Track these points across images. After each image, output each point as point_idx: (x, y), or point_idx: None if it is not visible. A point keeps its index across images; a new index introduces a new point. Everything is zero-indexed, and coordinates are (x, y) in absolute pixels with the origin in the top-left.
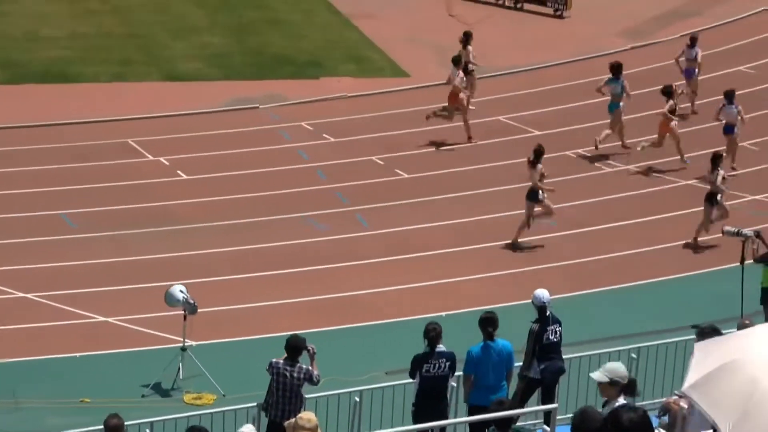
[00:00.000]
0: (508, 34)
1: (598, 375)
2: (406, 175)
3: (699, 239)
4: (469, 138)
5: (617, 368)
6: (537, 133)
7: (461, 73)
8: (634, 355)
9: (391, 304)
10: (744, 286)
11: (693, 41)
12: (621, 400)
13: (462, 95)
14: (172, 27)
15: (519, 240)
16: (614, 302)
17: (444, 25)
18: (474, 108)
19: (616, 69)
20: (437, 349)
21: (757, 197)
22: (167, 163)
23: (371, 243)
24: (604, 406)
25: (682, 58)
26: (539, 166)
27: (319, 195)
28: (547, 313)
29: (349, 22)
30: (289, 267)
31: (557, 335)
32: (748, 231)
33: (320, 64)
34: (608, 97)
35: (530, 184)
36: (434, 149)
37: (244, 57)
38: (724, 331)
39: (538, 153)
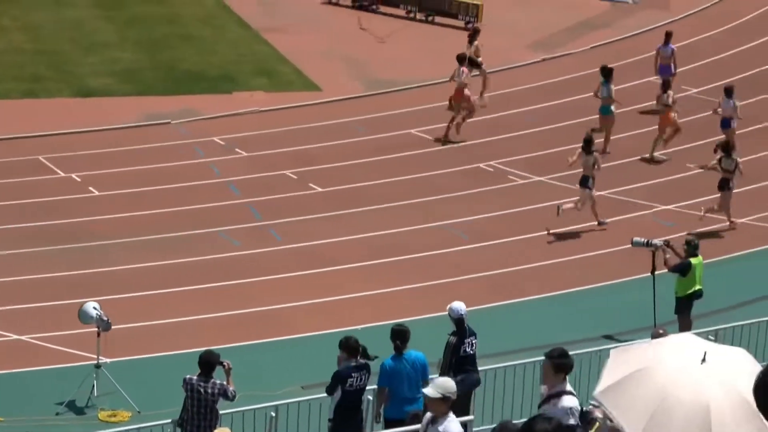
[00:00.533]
0: (420, 48)
1: (430, 391)
2: (319, 189)
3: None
4: (446, 136)
5: (448, 384)
6: (451, 145)
7: (465, 70)
8: None
9: (305, 318)
10: (657, 295)
11: (667, 37)
12: (452, 416)
13: (466, 91)
14: (83, 43)
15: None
16: (528, 313)
17: (355, 38)
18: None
19: (607, 73)
20: (358, 362)
21: (669, 207)
22: (79, 179)
23: (285, 257)
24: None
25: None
26: (595, 153)
27: (233, 210)
28: (463, 326)
29: (260, 37)
30: (204, 282)
31: (473, 347)
32: (657, 241)
33: (232, 78)
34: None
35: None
36: (347, 162)
37: (155, 72)
38: (638, 341)
39: (589, 141)
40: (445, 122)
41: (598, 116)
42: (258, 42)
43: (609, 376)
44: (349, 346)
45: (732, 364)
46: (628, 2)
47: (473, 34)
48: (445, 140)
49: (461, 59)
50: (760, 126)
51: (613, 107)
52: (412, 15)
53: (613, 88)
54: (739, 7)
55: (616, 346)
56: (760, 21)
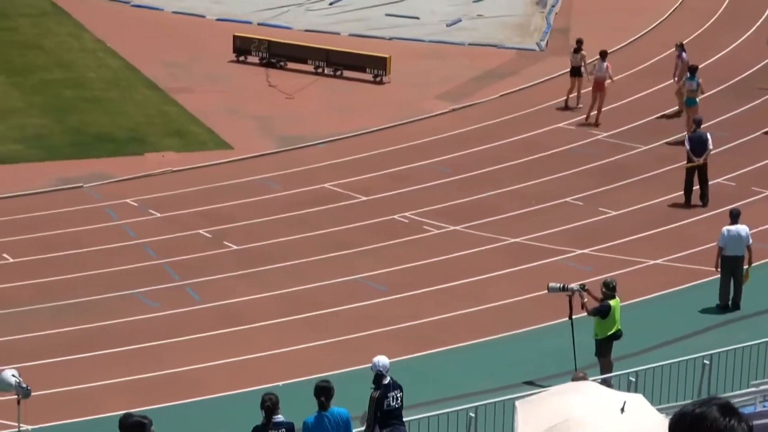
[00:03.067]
0: (329, 102)
1: None
2: (234, 247)
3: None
4: (597, 124)
5: None
6: (363, 198)
7: (607, 65)
8: (472, 414)
9: (226, 377)
10: (575, 339)
11: (603, 56)
12: None
13: (607, 83)
14: None
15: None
16: (450, 363)
17: (264, 96)
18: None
19: (602, 54)
20: (275, 419)
21: (585, 251)
22: None
23: (203, 317)
24: None
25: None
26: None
27: (149, 271)
28: (386, 380)
29: (169, 97)
30: (122, 345)
31: (398, 401)
32: (574, 285)
33: (142, 140)
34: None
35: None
36: (261, 219)
37: (64, 137)
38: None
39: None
40: (357, 176)
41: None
42: (167, 102)
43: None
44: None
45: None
46: (534, 49)
47: (578, 46)
48: (596, 125)
49: (603, 55)
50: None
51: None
52: (320, 70)
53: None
54: (644, 50)
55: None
56: (665, 63)
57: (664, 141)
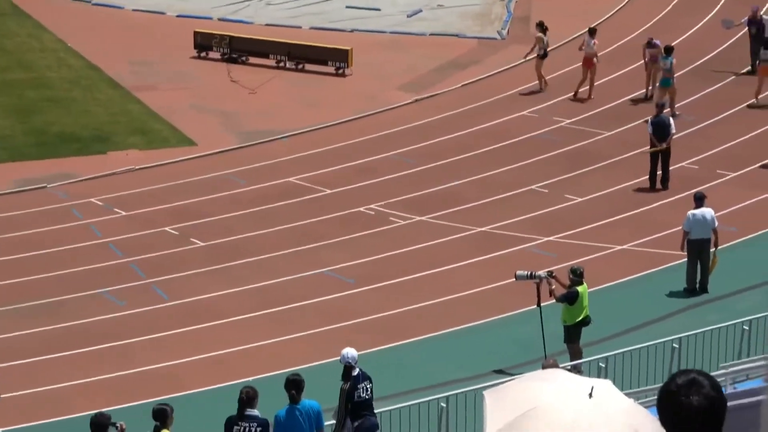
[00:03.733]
0: (292, 96)
1: None
2: (201, 243)
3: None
4: (590, 97)
5: None
6: (328, 191)
7: (596, 41)
8: (443, 404)
9: (196, 374)
10: (544, 326)
11: (591, 32)
12: None
13: (595, 59)
14: None
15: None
16: (420, 353)
17: (226, 91)
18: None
19: (591, 31)
20: (248, 413)
21: (550, 238)
22: None
23: (172, 314)
24: None
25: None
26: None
27: (115, 270)
28: (356, 372)
29: (131, 95)
30: (90, 345)
31: (368, 392)
32: (541, 273)
33: (106, 138)
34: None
35: None
36: (227, 215)
37: (27, 137)
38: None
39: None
40: (321, 169)
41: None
42: (130, 101)
43: (495, 419)
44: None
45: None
46: (496, 38)
47: (591, 32)
48: (589, 98)
49: (592, 32)
50: (643, 150)
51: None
52: (282, 64)
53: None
54: (605, 36)
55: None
56: (627, 48)
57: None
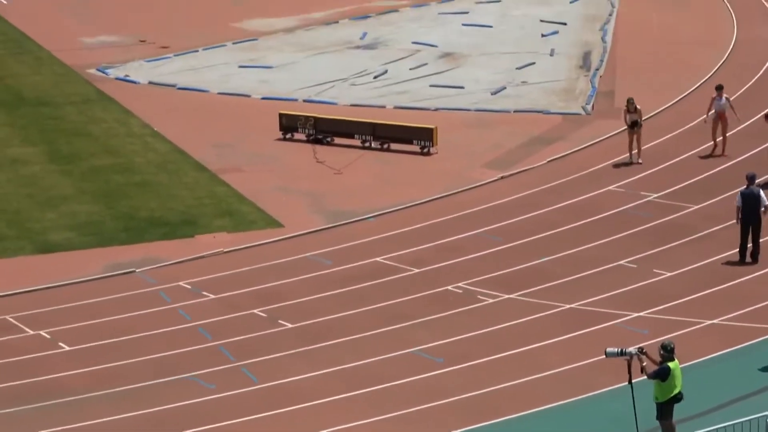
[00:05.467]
0: (377, 175)
1: None
2: (289, 325)
3: None
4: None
5: None
6: (416, 270)
7: (725, 95)
8: None
9: None
10: (636, 403)
11: (719, 89)
12: None
13: (727, 113)
14: (41, 199)
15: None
16: None
17: (312, 172)
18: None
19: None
20: None
21: (641, 314)
22: (48, 336)
23: (262, 397)
24: None
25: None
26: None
27: (205, 353)
28: None
29: (217, 178)
30: (181, 428)
31: None
32: (632, 349)
33: (193, 222)
34: None
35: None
36: (315, 296)
37: (115, 222)
38: None
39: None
40: (409, 248)
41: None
42: (216, 183)
43: None
44: None
45: None
46: (580, 113)
47: (631, 105)
48: (722, 155)
49: (719, 88)
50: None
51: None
52: (367, 144)
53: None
54: (690, 108)
55: None
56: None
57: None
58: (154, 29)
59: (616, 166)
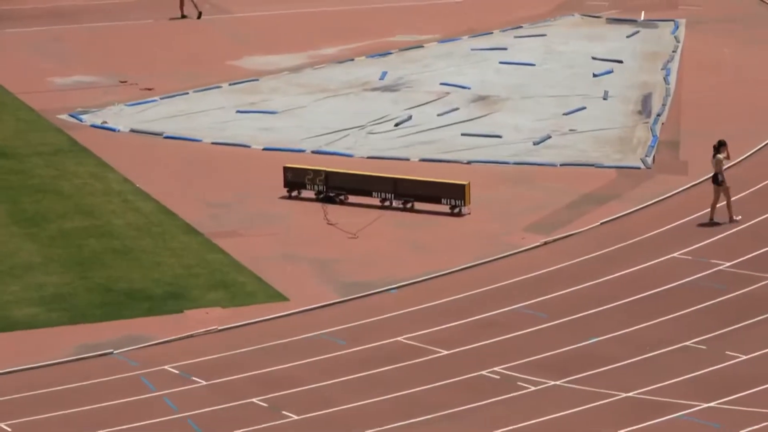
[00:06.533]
0: (399, 240)
1: None
2: (295, 417)
3: None
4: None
5: None
6: (445, 352)
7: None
8: None
9: None
10: None
11: None
12: None
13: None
14: (1, 268)
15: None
16: None
17: (322, 236)
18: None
19: None
20: None
21: (711, 404)
22: (10, 429)
23: None
24: None
25: None
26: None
27: None
28: None
29: (210, 243)
30: None
31: None
32: None
33: (182, 295)
34: None
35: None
36: (326, 382)
37: (89, 295)
38: None
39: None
40: (436, 326)
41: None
42: (210, 249)
43: None
44: None
45: None
46: (639, 167)
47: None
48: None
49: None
50: None
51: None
52: (387, 203)
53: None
54: (765, 163)
55: None
56: None
57: None
58: (137, 68)
59: (682, 229)
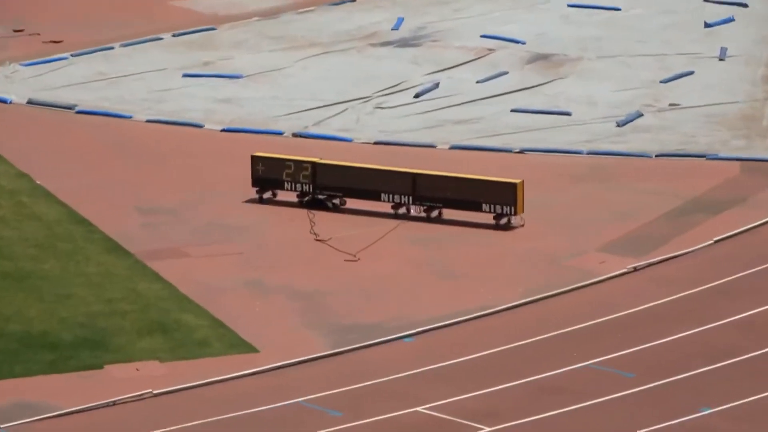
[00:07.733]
0: (419, 263)
1: None
2: None
3: None
4: None
5: None
6: (487, 429)
7: None
8: None
9: None
10: None
11: None
12: None
13: None
14: None
15: None
16: None
17: (307, 258)
18: None
19: None
20: None
21: None
22: None
23: None
24: None
25: None
26: None
27: None
28: None
29: (143, 267)
30: None
31: None
32: None
33: (101, 342)
34: None
35: None
36: None
37: None
38: None
39: None
40: (476, 391)
41: None
42: (142, 276)
43: None
44: None
45: None
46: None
47: None
48: None
49: None
50: None
51: None
52: (402, 210)
53: None
54: None
55: None
56: None
57: None
58: (38, 13)
59: None
